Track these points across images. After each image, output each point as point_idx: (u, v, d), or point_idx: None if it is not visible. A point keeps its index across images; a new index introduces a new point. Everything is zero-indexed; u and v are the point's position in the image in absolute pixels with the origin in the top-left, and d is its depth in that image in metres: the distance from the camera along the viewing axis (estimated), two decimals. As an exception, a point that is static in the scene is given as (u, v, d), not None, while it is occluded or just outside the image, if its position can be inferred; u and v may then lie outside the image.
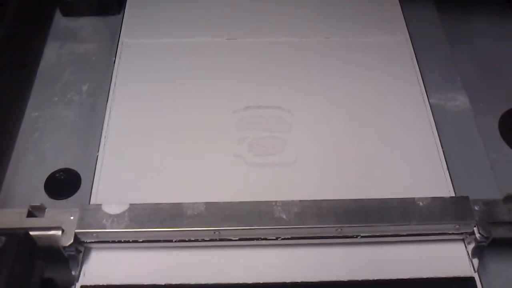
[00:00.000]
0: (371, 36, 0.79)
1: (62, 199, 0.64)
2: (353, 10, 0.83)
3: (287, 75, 0.74)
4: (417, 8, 0.84)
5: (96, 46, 0.81)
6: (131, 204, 0.56)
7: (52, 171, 0.66)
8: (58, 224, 0.54)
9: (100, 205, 0.56)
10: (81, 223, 0.54)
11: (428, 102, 0.71)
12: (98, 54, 0.80)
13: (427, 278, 0.56)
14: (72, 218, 0.55)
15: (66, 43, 0.81)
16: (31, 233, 0.53)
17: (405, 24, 0.81)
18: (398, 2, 0.84)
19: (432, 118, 0.69)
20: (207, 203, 0.56)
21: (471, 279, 0.56)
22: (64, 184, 0.65)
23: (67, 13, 0.85)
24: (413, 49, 0.77)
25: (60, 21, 0.85)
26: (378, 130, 0.68)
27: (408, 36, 0.79)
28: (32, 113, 0.72)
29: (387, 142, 0.67)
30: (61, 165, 0.66)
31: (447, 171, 0.65)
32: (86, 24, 0.84)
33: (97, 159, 0.65)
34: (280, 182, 0.63)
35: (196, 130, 0.68)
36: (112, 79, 0.73)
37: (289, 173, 0.64)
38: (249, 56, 0.76)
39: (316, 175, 0.64)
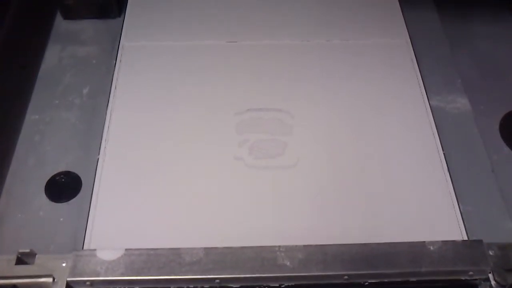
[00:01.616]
0: (371, 38, 0.79)
1: (63, 202, 0.64)
2: (353, 12, 0.83)
3: (288, 77, 0.74)
4: (418, 10, 0.84)
5: (96, 49, 0.81)
6: (126, 250, 0.53)
7: (53, 174, 0.66)
8: (49, 272, 0.51)
9: (95, 250, 0.53)
10: (73, 271, 0.51)
11: (428, 104, 0.71)
12: (98, 57, 0.80)
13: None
14: (64, 265, 0.52)
15: (66, 46, 0.81)
16: (19, 281, 0.50)
17: (405, 27, 0.81)
18: (398, 4, 0.84)
19: (433, 120, 0.69)
20: (206, 249, 0.53)
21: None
22: (65, 187, 0.65)
23: (67, 16, 0.85)
24: (414, 51, 0.77)
25: (60, 24, 0.85)
26: (379, 132, 0.68)
27: (409, 39, 0.79)
28: (32, 116, 0.72)
29: (387, 143, 0.67)
30: (61, 168, 0.66)
31: (448, 173, 0.65)
32: (86, 27, 0.84)
33: (97, 162, 0.65)
34: (281, 185, 0.63)
35: (196, 133, 0.68)
36: (113, 82, 0.73)
37: (290, 175, 0.64)
38: (249, 59, 0.76)
39: (317, 178, 0.64)
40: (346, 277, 0.52)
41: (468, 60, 0.79)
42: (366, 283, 0.53)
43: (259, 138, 0.67)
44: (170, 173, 0.64)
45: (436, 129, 0.68)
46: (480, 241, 0.54)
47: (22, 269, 0.51)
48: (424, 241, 0.53)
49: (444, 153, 0.66)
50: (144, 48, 0.78)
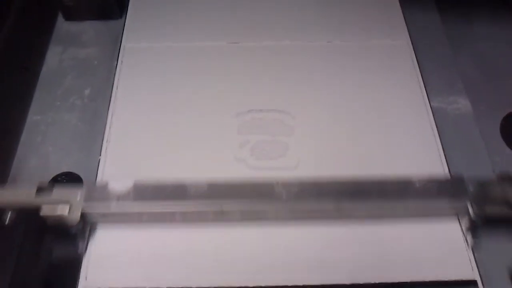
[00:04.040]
0: (372, 39, 0.79)
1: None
2: (354, 13, 0.83)
3: (289, 78, 0.74)
4: (418, 11, 0.84)
5: (98, 51, 0.81)
6: (136, 181, 0.58)
7: (55, 174, 0.66)
8: (65, 201, 0.56)
9: (106, 182, 0.58)
10: (87, 201, 0.57)
11: (429, 105, 0.71)
12: (100, 58, 0.80)
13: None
14: (79, 195, 0.57)
15: (68, 47, 0.81)
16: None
17: (406, 28, 0.81)
18: (399, 5, 0.84)
19: (434, 121, 0.69)
20: (210, 183, 0.58)
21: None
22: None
23: (69, 17, 0.85)
24: (415, 52, 0.77)
25: (62, 26, 0.85)
26: (380, 133, 0.68)
27: (409, 40, 0.79)
28: (34, 117, 0.72)
29: (389, 144, 0.67)
30: (63, 169, 0.67)
31: (449, 175, 0.65)
32: (88, 28, 0.84)
33: (99, 163, 0.66)
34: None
35: (197, 134, 0.68)
36: (114, 83, 0.74)
37: (291, 176, 0.64)
38: (251, 60, 0.76)
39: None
40: (337, 207, 0.57)
41: (469, 61, 0.79)
42: (357, 217, 0.59)
43: (261, 139, 0.67)
44: (172, 174, 0.64)
45: (437, 129, 0.68)
46: (461, 177, 0.59)
47: (41, 199, 0.56)
48: (410, 177, 0.59)
49: (445, 154, 0.66)
50: (145, 50, 0.78)
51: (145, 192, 0.58)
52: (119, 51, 0.78)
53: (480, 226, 0.58)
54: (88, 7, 0.84)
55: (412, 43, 0.78)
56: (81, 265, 0.57)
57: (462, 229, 0.60)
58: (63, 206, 0.56)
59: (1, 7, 0.80)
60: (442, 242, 0.59)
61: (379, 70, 0.75)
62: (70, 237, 0.57)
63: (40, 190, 0.57)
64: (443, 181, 0.60)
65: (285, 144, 0.67)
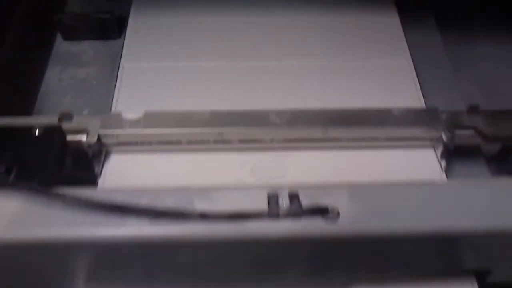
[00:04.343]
0: (373, 59, 0.79)
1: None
2: (355, 33, 0.82)
3: (289, 99, 0.73)
4: (419, 31, 0.84)
5: (96, 70, 0.80)
6: (146, 111, 0.65)
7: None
8: (84, 127, 0.63)
9: (120, 112, 0.65)
10: (103, 126, 0.64)
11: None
12: (98, 78, 0.80)
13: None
14: (96, 122, 0.64)
15: (67, 67, 0.81)
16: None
17: (407, 47, 0.80)
18: (400, 25, 0.84)
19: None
20: (212, 111, 0.66)
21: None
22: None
23: (67, 37, 0.85)
24: (416, 72, 0.77)
25: (61, 45, 0.85)
26: (382, 155, 0.67)
27: (411, 59, 0.78)
28: (32, 138, 0.72)
29: (390, 162, 0.66)
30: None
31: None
32: (87, 48, 0.84)
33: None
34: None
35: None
36: (113, 103, 0.73)
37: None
38: (251, 80, 0.75)
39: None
40: (325, 132, 0.65)
41: (471, 80, 0.79)
42: (342, 140, 0.66)
43: (261, 159, 0.67)
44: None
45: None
46: (435, 108, 0.66)
47: (63, 124, 0.63)
48: (390, 108, 0.66)
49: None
50: (144, 69, 0.77)
51: (154, 119, 0.65)
52: (118, 71, 0.77)
53: (452, 152, 0.65)
54: (87, 27, 0.84)
55: (413, 63, 0.78)
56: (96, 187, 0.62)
57: (437, 156, 0.66)
58: (81, 132, 0.63)
59: (0, 27, 0.80)
60: (419, 168, 0.65)
61: (380, 91, 0.74)
62: (87, 162, 0.63)
63: (61, 119, 0.64)
64: (419, 111, 0.68)
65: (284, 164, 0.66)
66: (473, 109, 0.66)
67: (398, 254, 0.57)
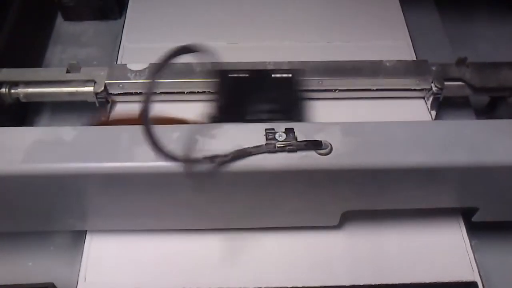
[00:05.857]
0: (372, 40, 0.79)
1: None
2: (354, 14, 0.83)
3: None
4: (419, 11, 0.84)
5: (97, 51, 0.81)
6: (151, 63, 0.67)
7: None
8: (92, 77, 0.67)
9: (125, 64, 0.69)
10: (110, 77, 0.67)
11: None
12: (99, 58, 0.80)
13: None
14: (102, 73, 0.68)
15: (67, 47, 0.81)
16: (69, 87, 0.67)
17: (406, 28, 0.81)
18: (399, 6, 0.84)
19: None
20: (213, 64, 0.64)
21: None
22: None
23: (68, 17, 0.85)
24: (415, 53, 0.77)
25: (61, 26, 0.85)
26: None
27: (410, 40, 0.79)
28: (35, 119, 0.73)
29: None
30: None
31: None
32: (87, 28, 0.84)
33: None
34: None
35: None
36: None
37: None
38: (250, 61, 0.75)
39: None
40: (320, 82, 0.68)
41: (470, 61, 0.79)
42: (337, 90, 0.69)
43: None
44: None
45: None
46: (425, 60, 0.69)
47: (72, 76, 0.68)
48: (382, 60, 0.69)
49: None
50: (144, 50, 0.77)
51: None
52: (118, 51, 0.78)
53: (442, 102, 0.68)
54: (88, 7, 0.84)
55: (412, 44, 0.78)
56: None
57: (427, 106, 0.69)
58: (89, 81, 0.67)
59: (1, 8, 0.79)
60: (410, 118, 0.68)
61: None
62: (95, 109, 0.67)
63: (69, 70, 0.68)
64: (410, 63, 0.70)
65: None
66: (461, 62, 0.68)
67: (387, 189, 0.57)
